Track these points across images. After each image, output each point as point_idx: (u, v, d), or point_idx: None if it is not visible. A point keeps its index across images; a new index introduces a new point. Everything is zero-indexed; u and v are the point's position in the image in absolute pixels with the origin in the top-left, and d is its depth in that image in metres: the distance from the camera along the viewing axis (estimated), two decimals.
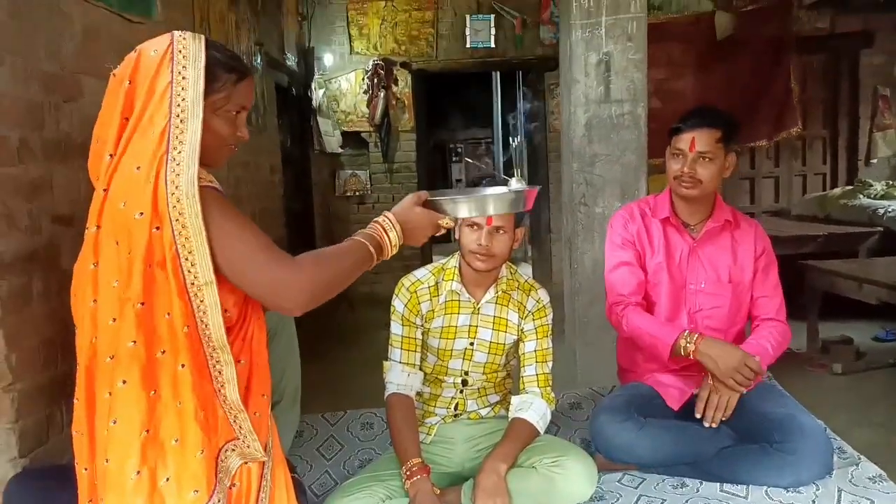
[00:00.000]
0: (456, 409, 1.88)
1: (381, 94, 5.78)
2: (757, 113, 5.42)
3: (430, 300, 1.85)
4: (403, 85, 5.94)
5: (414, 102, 6.03)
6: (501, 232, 1.74)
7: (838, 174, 5.86)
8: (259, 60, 3.93)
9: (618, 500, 1.74)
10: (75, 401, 1.23)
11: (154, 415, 1.14)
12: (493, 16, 5.70)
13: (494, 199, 1.44)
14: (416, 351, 1.84)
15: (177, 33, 1.19)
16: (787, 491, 1.70)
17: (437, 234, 1.39)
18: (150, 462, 1.14)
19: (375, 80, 5.78)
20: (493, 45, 5.81)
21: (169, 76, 1.14)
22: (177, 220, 1.10)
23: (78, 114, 1.90)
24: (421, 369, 1.85)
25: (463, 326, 1.84)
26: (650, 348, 1.91)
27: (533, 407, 1.77)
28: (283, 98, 4.88)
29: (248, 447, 1.22)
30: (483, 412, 1.89)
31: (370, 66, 5.78)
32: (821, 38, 5.55)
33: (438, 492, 1.65)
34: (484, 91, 8.85)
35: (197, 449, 1.15)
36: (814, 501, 1.65)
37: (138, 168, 1.12)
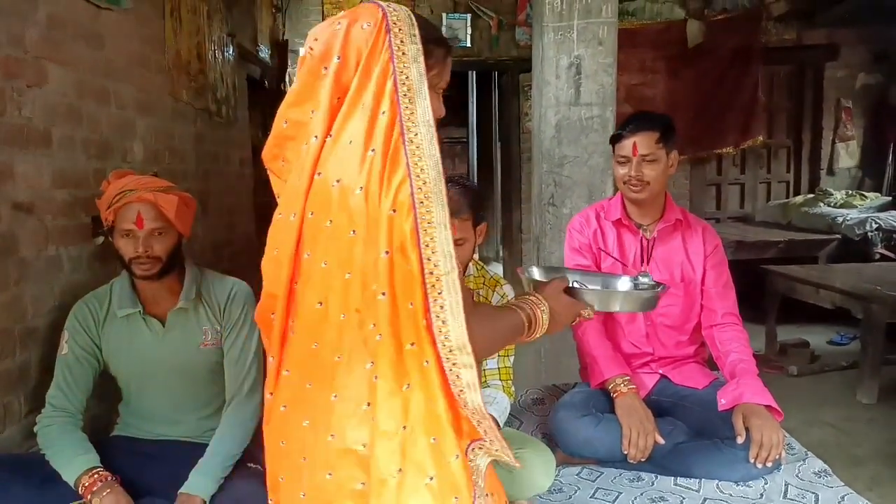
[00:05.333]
0: None
1: None
2: (724, 120, 5.54)
3: None
4: None
5: None
6: (461, 243, 1.76)
7: (801, 182, 6.01)
8: (231, 51, 3.90)
9: (576, 492, 1.77)
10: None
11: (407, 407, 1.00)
12: (469, 15, 5.69)
13: (633, 299, 1.39)
14: None
15: (383, 4, 1.04)
16: (738, 485, 1.75)
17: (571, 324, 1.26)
18: (409, 460, 1.00)
19: None
20: (469, 44, 5.83)
21: (389, 52, 1.01)
22: (421, 202, 0.98)
23: (42, 100, 1.88)
24: None
25: None
26: (587, 367, 2.00)
27: (496, 402, 1.80)
28: (256, 91, 4.84)
29: (497, 451, 1.06)
30: None
31: None
32: (787, 50, 5.67)
33: None
34: (460, 91, 8.88)
35: (454, 451, 1.02)
36: (762, 495, 1.70)
37: (369, 149, 1.00)
